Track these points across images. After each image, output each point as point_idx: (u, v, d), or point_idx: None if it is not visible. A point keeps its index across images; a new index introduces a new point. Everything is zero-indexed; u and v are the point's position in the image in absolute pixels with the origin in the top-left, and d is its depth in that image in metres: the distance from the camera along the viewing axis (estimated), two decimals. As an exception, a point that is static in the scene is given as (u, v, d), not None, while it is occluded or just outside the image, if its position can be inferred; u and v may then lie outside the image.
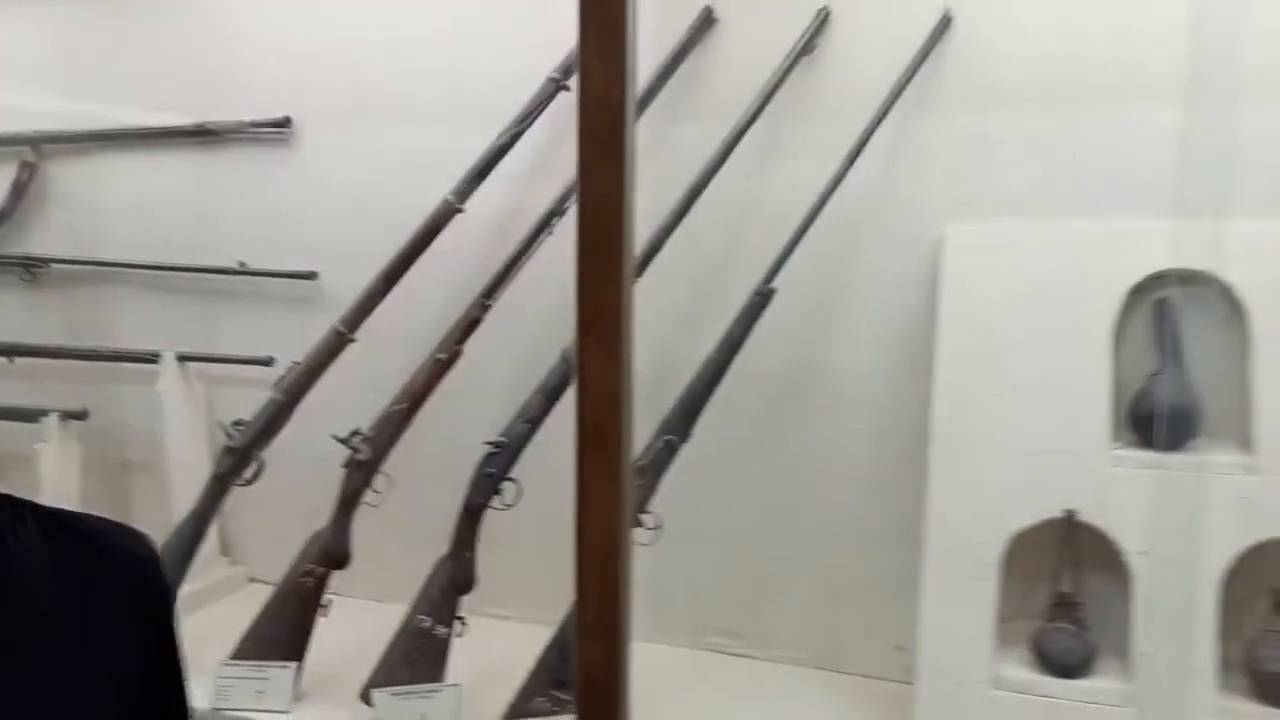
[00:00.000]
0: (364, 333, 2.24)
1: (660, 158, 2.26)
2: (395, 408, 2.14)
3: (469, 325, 2.17)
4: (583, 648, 1.05)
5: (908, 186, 2.15)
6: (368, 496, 2.15)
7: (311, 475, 2.20)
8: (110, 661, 0.90)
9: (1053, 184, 2.03)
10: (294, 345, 2.32)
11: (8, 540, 0.87)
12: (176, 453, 2.66)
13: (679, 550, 2.30)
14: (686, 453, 2.04)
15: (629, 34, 0.96)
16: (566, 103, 2.17)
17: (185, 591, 2.42)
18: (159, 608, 0.96)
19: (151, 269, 2.78)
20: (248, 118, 2.65)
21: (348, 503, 2.13)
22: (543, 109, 2.23)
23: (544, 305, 2.22)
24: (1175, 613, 1.80)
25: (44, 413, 2.71)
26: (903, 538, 2.06)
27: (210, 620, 2.47)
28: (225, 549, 2.84)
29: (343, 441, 2.13)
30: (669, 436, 1.98)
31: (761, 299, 2.02)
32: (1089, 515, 1.88)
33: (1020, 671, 1.93)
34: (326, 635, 2.19)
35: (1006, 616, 1.96)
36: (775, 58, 2.12)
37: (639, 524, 1.96)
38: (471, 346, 2.18)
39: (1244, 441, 1.86)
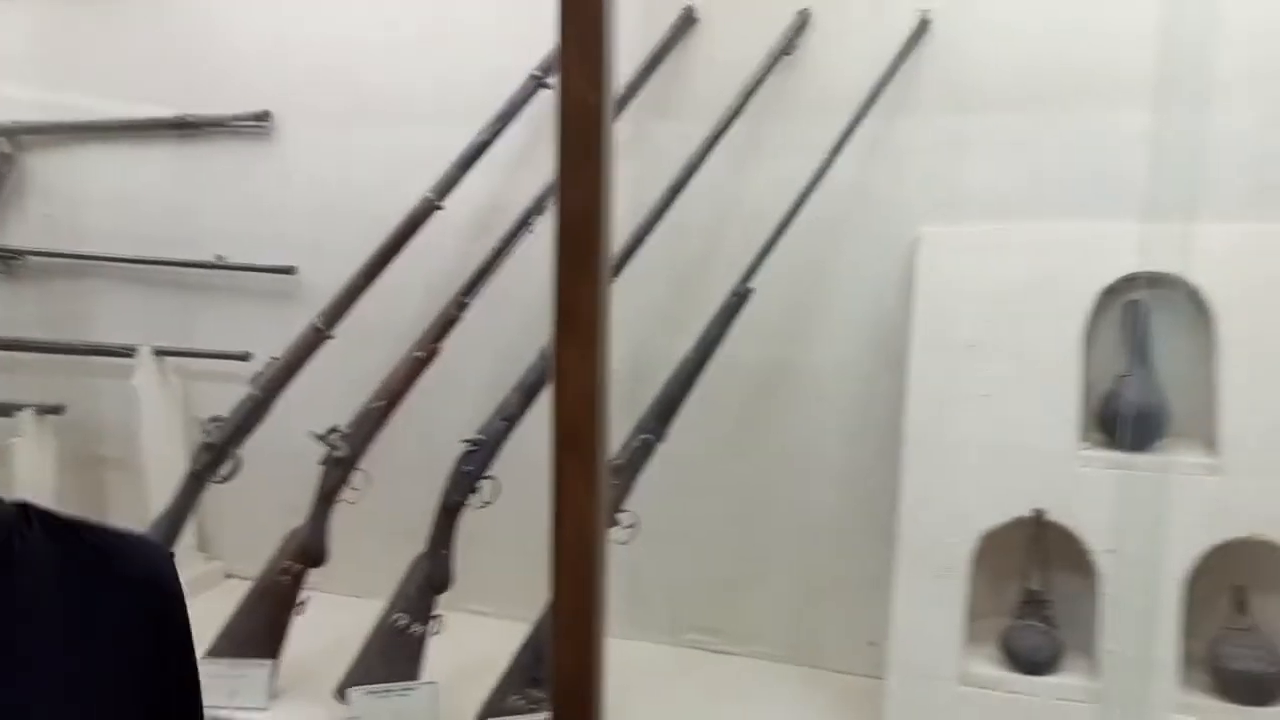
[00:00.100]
0: (342, 329, 2.24)
1: (641, 156, 2.28)
2: (373, 405, 2.15)
3: (447, 323, 2.17)
4: (558, 647, 1.06)
5: (885, 187, 2.17)
6: (345, 494, 2.15)
7: (289, 471, 2.20)
8: (114, 665, 0.91)
9: (1027, 186, 2.05)
10: (272, 340, 2.32)
11: (13, 544, 0.87)
12: (153, 448, 2.65)
13: (656, 548, 2.32)
14: (664, 451, 2.06)
15: (608, 39, 0.97)
16: (548, 100, 2.18)
17: (161, 587, 2.42)
18: (169, 616, 0.96)
19: (129, 262, 2.77)
20: (227, 111, 2.64)
21: (325, 500, 2.13)
22: (523, 106, 2.24)
23: (522, 303, 2.22)
24: (1140, 611, 1.83)
25: (19, 407, 2.69)
26: (876, 535, 2.09)
27: (187, 616, 2.46)
28: (202, 544, 2.83)
29: (320, 438, 2.13)
30: (645, 435, 1.99)
31: (739, 299, 2.03)
32: (1057, 514, 1.91)
33: (989, 668, 1.96)
34: (303, 632, 2.19)
35: (976, 614, 2.00)
36: (755, 58, 2.14)
37: (615, 523, 1.97)
38: (450, 344, 2.18)
39: (1210, 443, 1.89)
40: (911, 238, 2.10)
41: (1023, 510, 1.93)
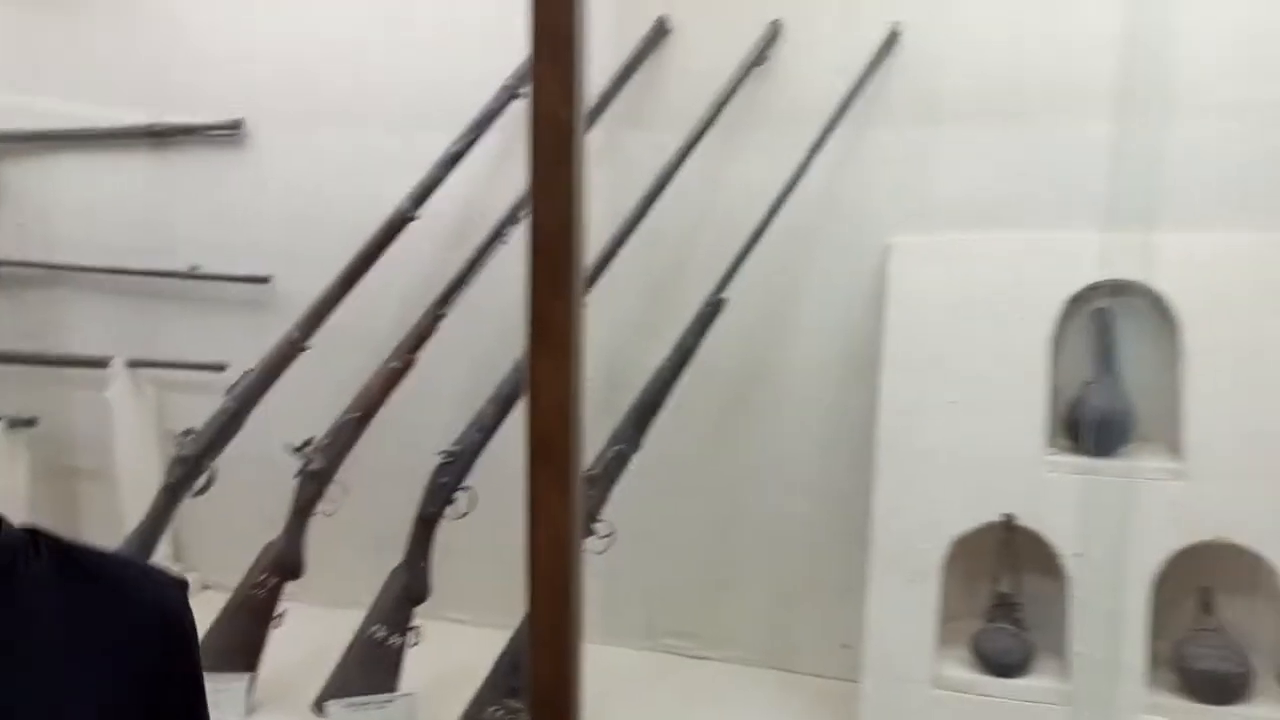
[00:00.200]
0: (318, 340, 2.23)
1: (615, 165, 2.29)
2: (349, 416, 2.15)
3: (423, 333, 2.18)
4: (534, 658, 1.07)
5: (856, 197, 2.19)
6: (321, 506, 2.15)
7: (265, 482, 2.20)
8: (118, 697, 0.89)
9: (995, 196, 2.08)
10: (247, 350, 2.31)
11: (18, 571, 0.86)
12: (127, 460, 2.64)
13: (633, 554, 2.33)
14: (640, 458, 2.07)
15: (579, 55, 0.97)
16: (521, 109, 2.18)
17: (137, 600, 2.40)
18: (178, 650, 0.95)
19: (102, 272, 2.75)
20: (199, 119, 2.62)
21: (301, 513, 2.13)
22: (496, 117, 2.24)
23: (498, 313, 2.23)
24: (1108, 613, 1.86)
25: (-9, 419, 2.67)
26: (850, 540, 2.12)
27: (163, 629, 2.45)
28: (178, 555, 2.81)
29: (296, 451, 2.13)
30: (621, 446, 2.00)
31: (712, 309, 2.05)
32: (1026, 519, 1.95)
33: (961, 671, 1.99)
34: (281, 644, 2.19)
35: (948, 616, 2.03)
36: (728, 68, 2.15)
37: (591, 533, 1.98)
38: (425, 355, 2.19)
39: (1175, 447, 1.93)
40: (882, 247, 2.13)
41: (992, 515, 1.96)
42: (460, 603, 2.45)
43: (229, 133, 2.60)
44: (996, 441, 1.97)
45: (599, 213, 2.10)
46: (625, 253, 2.12)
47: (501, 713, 1.92)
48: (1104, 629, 1.86)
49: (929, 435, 2.01)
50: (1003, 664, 1.95)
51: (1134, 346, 2.00)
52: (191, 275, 2.66)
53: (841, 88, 2.08)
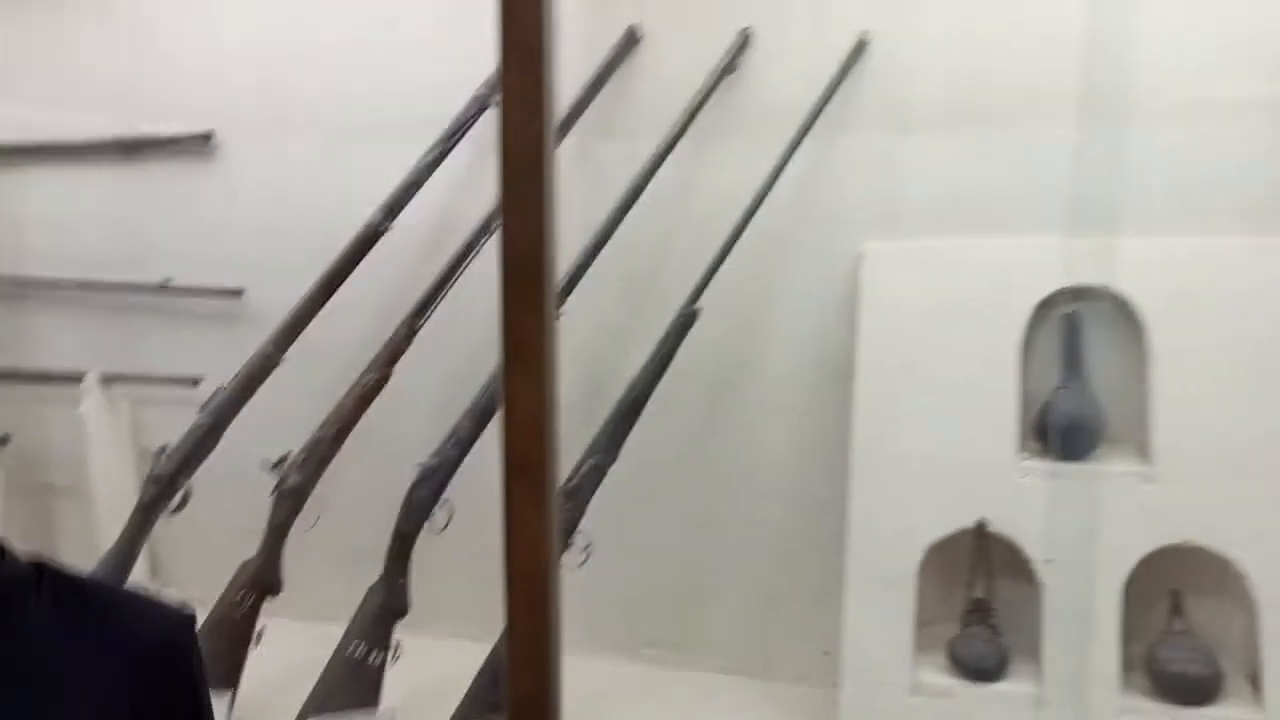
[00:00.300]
0: (292, 354, 2.22)
1: (588, 174, 2.29)
2: (325, 432, 2.13)
3: (398, 346, 2.16)
4: (513, 675, 1.07)
5: (828, 204, 2.20)
6: (299, 522, 2.14)
7: (242, 497, 2.18)
8: None
9: (965, 202, 2.10)
10: (222, 363, 2.29)
11: (21, 607, 0.86)
12: (102, 476, 2.62)
13: (613, 565, 2.33)
14: (618, 469, 2.06)
15: (548, 69, 0.97)
16: (493, 119, 2.17)
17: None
18: (180, 687, 0.94)
19: (74, 286, 2.72)
20: (170, 131, 2.60)
21: (278, 529, 2.12)
22: (469, 127, 2.23)
23: (473, 325, 2.22)
24: (1080, 617, 1.89)
25: (-39, 438, 2.65)
26: (828, 546, 2.13)
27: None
28: (155, 571, 2.79)
29: (272, 468, 2.11)
30: (597, 458, 2.00)
31: (686, 319, 2.05)
32: (999, 525, 1.97)
33: (938, 676, 2.01)
34: (261, 659, 2.17)
35: (925, 621, 2.05)
36: (699, 76, 2.15)
37: (570, 545, 1.98)
38: (401, 368, 2.18)
39: (1144, 451, 1.95)
40: (855, 253, 2.14)
41: (966, 521, 1.98)
42: (441, 615, 2.43)
43: (200, 144, 2.58)
44: (969, 447, 1.98)
45: (572, 222, 2.11)
46: (600, 262, 2.11)
47: (481, 729, 1.92)
48: (1076, 633, 1.89)
49: (903, 442, 2.02)
50: (979, 669, 1.97)
51: (1103, 351, 2.02)
52: (164, 288, 2.64)
53: (812, 95, 2.08)
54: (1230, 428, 1.86)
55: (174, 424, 2.26)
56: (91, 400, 2.63)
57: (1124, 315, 1.98)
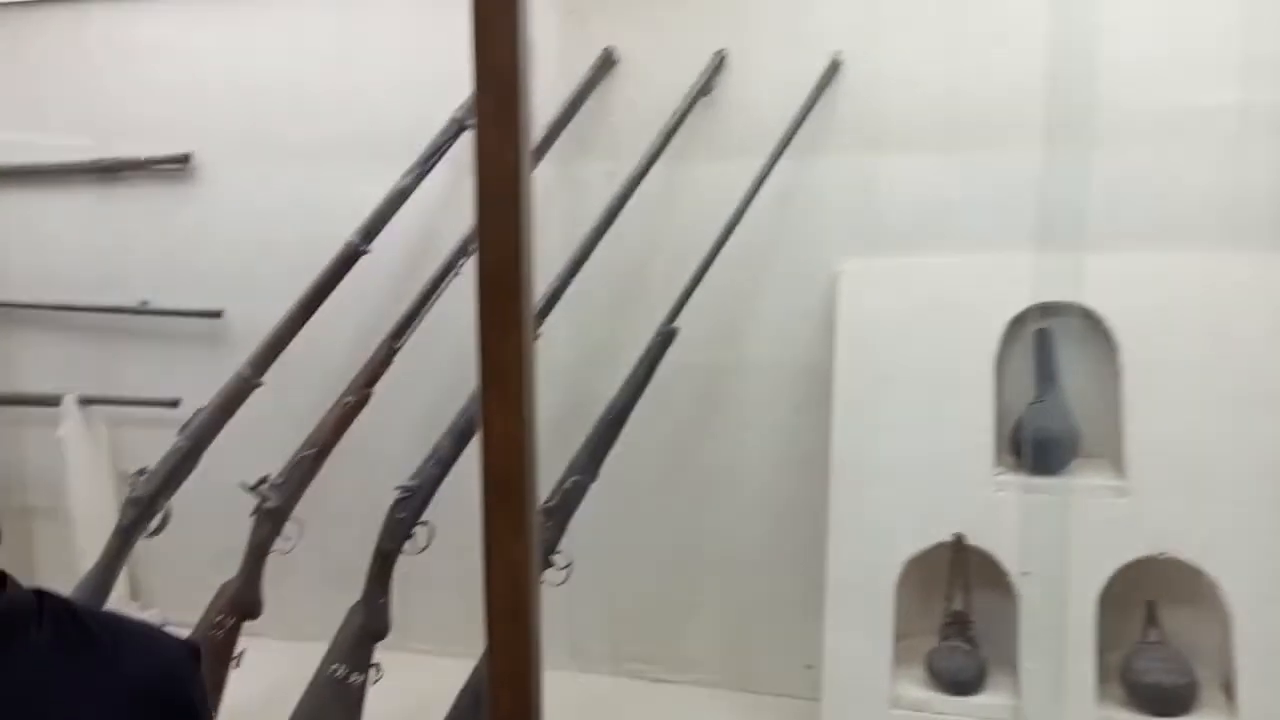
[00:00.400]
0: (271, 376, 2.21)
1: (566, 193, 2.30)
2: (304, 453, 2.13)
3: (377, 367, 2.17)
4: (494, 696, 1.08)
5: (805, 224, 2.22)
6: (278, 544, 2.13)
7: (222, 519, 2.17)
8: None
9: (940, 221, 2.12)
10: (200, 385, 2.29)
11: (21, 638, 0.86)
12: (81, 498, 2.61)
13: (596, 581, 2.35)
14: (600, 485, 2.07)
15: (523, 97, 0.98)
16: (470, 141, 2.18)
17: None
18: (177, 717, 0.94)
19: (52, 309, 2.72)
20: (147, 153, 2.60)
21: (257, 551, 2.11)
22: (446, 149, 2.24)
23: (452, 346, 2.23)
24: (1057, 630, 1.90)
25: (-61, 461, 2.63)
26: (809, 561, 2.14)
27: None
28: (135, 593, 2.78)
29: (251, 489, 2.11)
30: (577, 477, 2.01)
31: (664, 338, 2.06)
32: (976, 538, 1.99)
33: (917, 690, 2.02)
34: (241, 680, 2.16)
35: (903, 635, 2.06)
36: (675, 98, 2.17)
37: (550, 564, 1.99)
38: (380, 388, 2.18)
39: (1118, 464, 1.98)
40: (832, 272, 2.16)
41: (944, 535, 2.00)
42: (423, 633, 2.45)
43: (177, 166, 2.59)
44: (946, 462, 2.01)
45: (551, 242, 2.13)
46: (579, 281, 2.12)
47: (462, 751, 1.92)
48: (1053, 645, 1.91)
49: (880, 457, 2.04)
50: (957, 682, 1.99)
51: (1076, 366, 2.05)
52: (143, 310, 2.64)
53: (787, 116, 2.11)
54: (1201, 441, 1.89)
55: (153, 445, 2.25)
56: (70, 422, 2.62)
57: (1096, 331, 2.01)
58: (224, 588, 2.12)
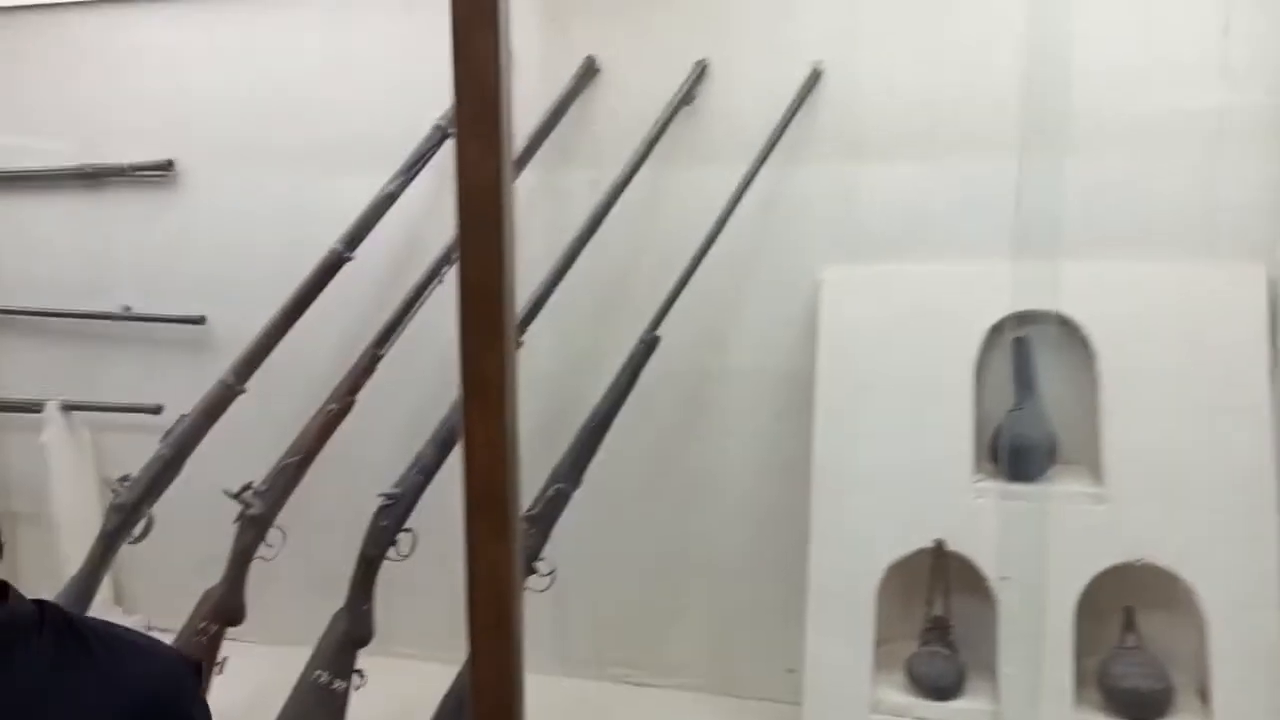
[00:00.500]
0: (254, 383, 2.22)
1: (549, 201, 2.31)
2: (288, 460, 2.13)
3: (361, 374, 2.17)
4: (477, 704, 1.09)
5: (786, 232, 2.23)
6: (261, 551, 2.13)
7: (206, 525, 2.17)
8: None
9: (921, 229, 2.13)
10: (184, 391, 2.29)
11: (21, 649, 0.86)
12: (64, 503, 2.60)
13: (580, 586, 2.36)
14: (585, 490, 2.08)
15: (504, 110, 0.99)
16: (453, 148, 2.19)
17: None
18: None
19: (35, 314, 2.71)
20: (131, 160, 2.60)
21: (240, 558, 2.11)
22: (430, 157, 2.25)
23: (436, 353, 2.23)
24: (1035, 635, 1.92)
25: (-78, 466, 2.62)
26: (792, 566, 2.15)
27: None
28: (119, 598, 2.78)
29: (234, 497, 2.11)
30: (560, 484, 2.02)
31: (646, 346, 2.07)
32: (956, 544, 2.00)
33: (897, 694, 2.04)
34: (225, 686, 2.16)
35: (884, 639, 2.08)
36: (657, 107, 2.18)
37: (534, 571, 2.00)
38: (364, 396, 2.18)
39: (1096, 471, 2.00)
40: (814, 280, 2.17)
41: (924, 541, 2.02)
42: (407, 638, 2.45)
43: (160, 173, 2.58)
44: (926, 469, 2.02)
45: (534, 250, 2.14)
46: (562, 289, 2.13)
47: (445, 757, 1.93)
48: (1031, 651, 1.92)
49: (861, 464, 2.06)
50: (937, 686, 2.01)
51: (1055, 373, 2.07)
52: (126, 316, 2.63)
53: (768, 125, 2.12)
54: (1178, 448, 1.91)
55: (136, 451, 2.26)
56: (53, 428, 2.62)
57: (1074, 339, 2.03)
58: (207, 594, 2.13)
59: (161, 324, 2.62)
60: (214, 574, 2.16)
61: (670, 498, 2.40)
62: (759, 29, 2.18)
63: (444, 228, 2.25)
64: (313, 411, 2.17)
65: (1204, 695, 1.94)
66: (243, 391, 2.21)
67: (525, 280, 2.03)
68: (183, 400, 2.25)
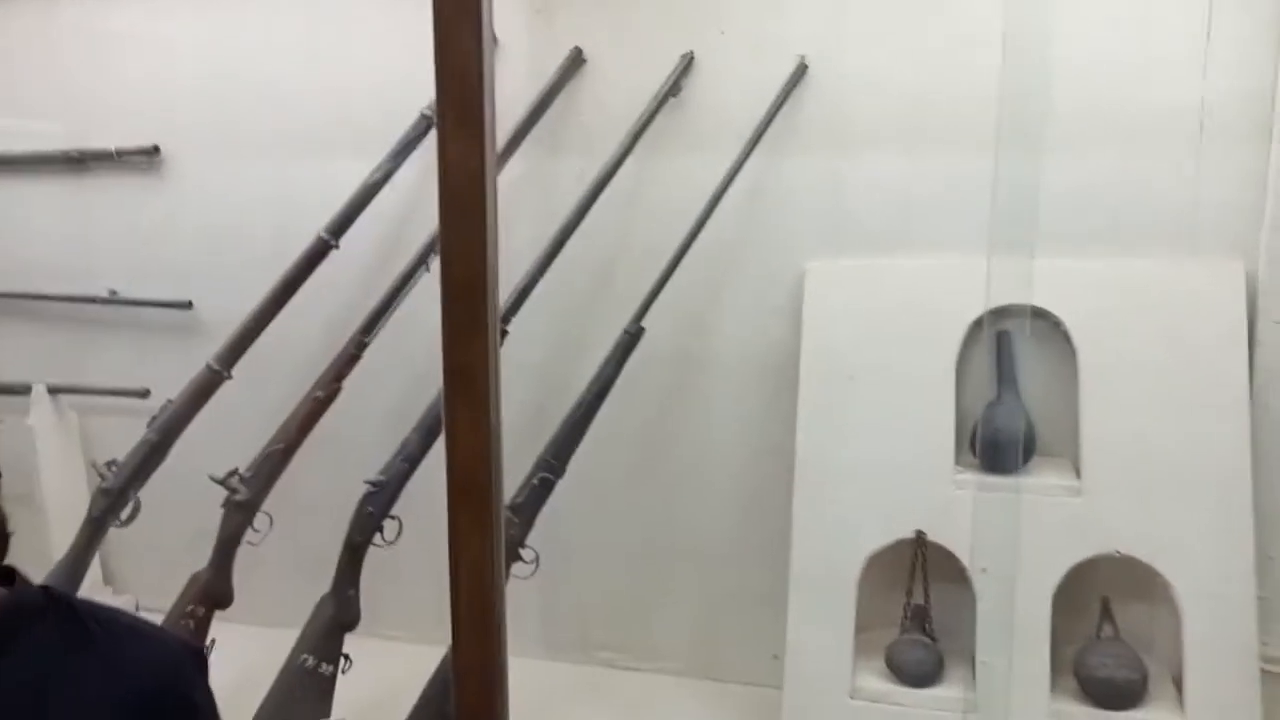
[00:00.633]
0: (240, 369, 2.22)
1: (534, 192, 2.31)
2: (273, 447, 2.14)
3: (347, 362, 2.18)
4: (460, 691, 1.10)
5: (771, 224, 2.24)
6: (248, 536, 2.15)
7: (194, 508, 2.19)
8: None
9: (905, 223, 2.14)
10: (170, 375, 2.30)
11: (26, 636, 0.88)
12: (51, 486, 2.62)
13: (566, 571, 2.39)
14: (571, 477, 2.09)
15: (488, 104, 0.99)
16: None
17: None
18: (178, 716, 0.94)
19: (20, 297, 2.71)
20: (117, 145, 2.59)
21: (227, 543, 2.13)
22: (416, 145, 2.24)
23: (421, 341, 2.22)
24: (1012, 625, 1.95)
25: (-91, 448, 2.63)
26: (775, 553, 2.18)
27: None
28: (109, 579, 2.80)
29: (220, 482, 2.12)
30: (544, 474, 2.03)
31: (630, 338, 2.08)
32: (936, 535, 2.02)
33: (876, 681, 2.07)
34: (212, 669, 2.16)
35: (864, 627, 2.10)
36: (643, 99, 2.18)
37: (519, 558, 2.02)
38: (350, 383, 2.19)
39: (1075, 464, 2.02)
40: (798, 272, 2.18)
41: (905, 532, 2.04)
42: (394, 620, 2.48)
43: (146, 159, 2.57)
44: (907, 460, 2.04)
45: (520, 239, 2.14)
46: (547, 279, 2.13)
47: (431, 740, 1.95)
48: (1008, 640, 1.95)
49: (844, 455, 2.07)
50: (915, 674, 2.03)
51: (1036, 367, 2.08)
52: (114, 300, 2.63)
53: (754, 118, 2.12)
54: (1154, 442, 1.93)
55: (124, 434, 2.27)
56: (40, 411, 2.63)
57: (1055, 334, 2.04)
58: (195, 578, 2.14)
59: (149, 308, 2.62)
60: (202, 556, 2.18)
61: (655, 485, 2.42)
62: (745, 21, 2.18)
63: (430, 215, 2.23)
64: (299, 398, 2.18)
65: (1179, 685, 1.96)
66: (229, 378, 2.21)
67: (511, 269, 2.04)
68: (170, 384, 2.25)
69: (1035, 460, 2.05)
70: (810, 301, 2.14)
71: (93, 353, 2.70)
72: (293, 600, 2.13)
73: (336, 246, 2.21)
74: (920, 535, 2.03)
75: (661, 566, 2.46)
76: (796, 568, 2.10)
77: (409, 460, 2.08)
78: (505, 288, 1.96)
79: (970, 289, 2.03)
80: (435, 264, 2.18)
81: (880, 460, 2.05)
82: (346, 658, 2.09)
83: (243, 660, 2.19)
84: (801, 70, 2.12)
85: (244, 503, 2.12)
